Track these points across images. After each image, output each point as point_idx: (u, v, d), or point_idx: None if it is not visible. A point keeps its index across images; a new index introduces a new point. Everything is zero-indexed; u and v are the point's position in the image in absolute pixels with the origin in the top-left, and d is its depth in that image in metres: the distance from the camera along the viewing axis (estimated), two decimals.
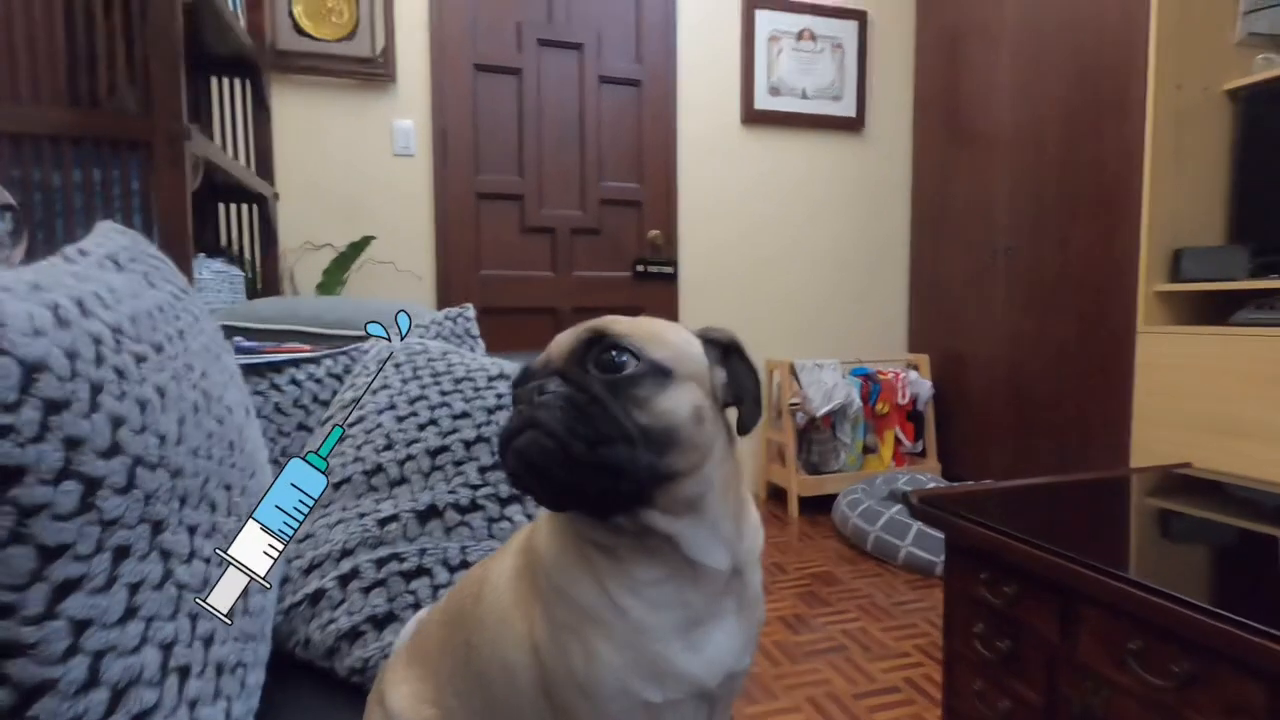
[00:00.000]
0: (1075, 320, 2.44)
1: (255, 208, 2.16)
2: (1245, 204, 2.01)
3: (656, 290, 2.88)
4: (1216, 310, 1.96)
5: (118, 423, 0.47)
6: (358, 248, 2.38)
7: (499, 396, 0.92)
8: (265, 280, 2.16)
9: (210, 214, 2.05)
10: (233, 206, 2.11)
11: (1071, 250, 2.45)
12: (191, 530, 0.55)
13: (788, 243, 3.04)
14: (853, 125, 3.09)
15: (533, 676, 0.47)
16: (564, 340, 0.46)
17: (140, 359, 0.53)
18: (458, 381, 0.94)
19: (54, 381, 0.42)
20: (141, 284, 0.64)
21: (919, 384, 2.98)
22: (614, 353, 0.44)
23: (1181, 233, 2.03)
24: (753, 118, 2.94)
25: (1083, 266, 2.41)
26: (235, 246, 2.09)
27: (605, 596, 0.46)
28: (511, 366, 0.98)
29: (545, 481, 0.43)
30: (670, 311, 2.90)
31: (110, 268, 0.63)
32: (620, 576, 0.46)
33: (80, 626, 0.43)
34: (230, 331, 1.24)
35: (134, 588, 0.47)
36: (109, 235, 0.69)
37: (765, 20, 2.92)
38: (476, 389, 0.93)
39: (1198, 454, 1.59)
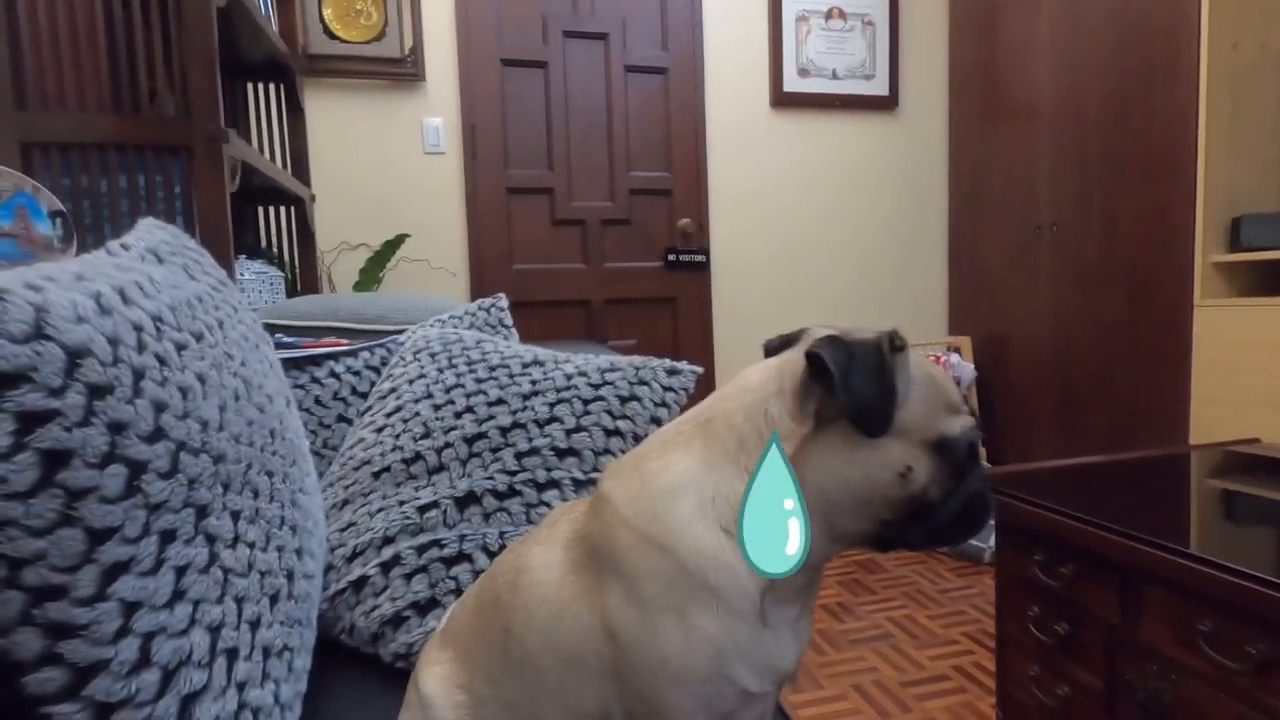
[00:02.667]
0: (1125, 296, 2.34)
1: (293, 210, 2.20)
2: None
3: (689, 279, 2.86)
4: (1279, 280, 1.86)
5: (160, 408, 0.47)
6: (392, 246, 2.41)
7: (533, 383, 0.91)
8: (304, 281, 2.20)
9: (250, 217, 2.09)
10: (271, 209, 2.16)
11: (1119, 223, 2.35)
12: (235, 515, 0.55)
13: (822, 227, 2.99)
14: (886, 104, 3.01)
15: (603, 664, 0.46)
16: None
17: (181, 346, 0.53)
18: (492, 369, 0.94)
19: (97, 367, 0.43)
20: (181, 275, 0.64)
21: (961, 367, 2.90)
22: None
23: (1239, 200, 1.93)
24: (782, 101, 2.89)
25: (1132, 240, 2.31)
26: (274, 248, 2.14)
27: (759, 599, 0.45)
28: (545, 353, 0.98)
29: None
30: (703, 299, 2.88)
31: (152, 260, 0.64)
32: (775, 580, 0.46)
33: (130, 608, 0.43)
34: (271, 329, 1.26)
35: (181, 571, 0.47)
36: (150, 230, 0.70)
37: (793, 0, 2.86)
38: (511, 376, 0.93)
39: (1264, 432, 1.51)
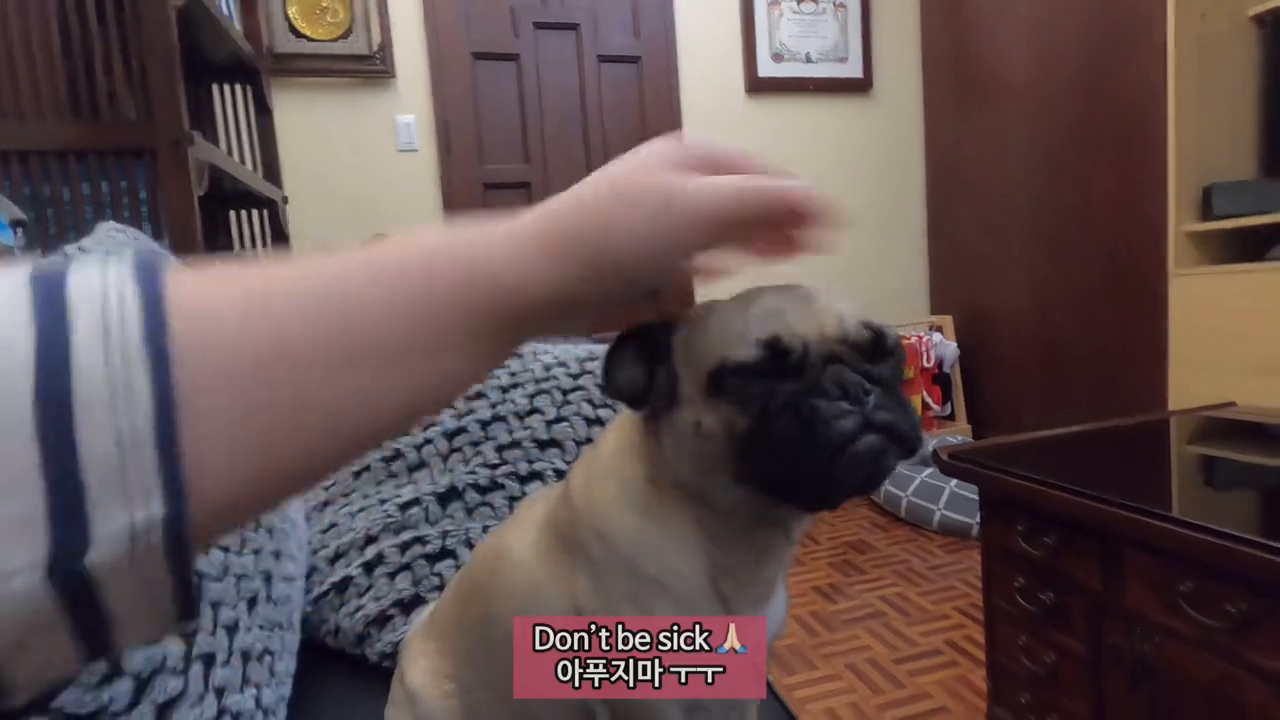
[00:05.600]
0: (1102, 268, 2.37)
1: (266, 213, 2.17)
2: (1277, 133, 1.93)
3: None
4: (1252, 247, 1.88)
5: None
6: None
7: (512, 375, 0.91)
8: None
9: (222, 222, 2.06)
10: (243, 213, 2.12)
11: (1094, 196, 2.37)
12: None
13: None
14: (860, 86, 3.02)
15: None
16: (839, 328, 0.41)
17: None
18: None
19: None
20: None
21: (943, 346, 2.92)
22: (895, 357, 0.42)
23: (1211, 168, 1.95)
24: (757, 86, 2.88)
25: (1107, 212, 2.33)
26: (249, 252, 2.10)
27: (707, 583, 0.44)
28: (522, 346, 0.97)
29: (872, 486, 0.40)
30: (685, 288, 2.87)
31: None
32: (719, 560, 0.45)
33: None
34: None
35: None
36: (109, 234, 0.68)
37: None
38: None
39: (1239, 396, 1.53)
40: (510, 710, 0.50)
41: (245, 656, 0.55)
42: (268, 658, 0.59)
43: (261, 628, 0.59)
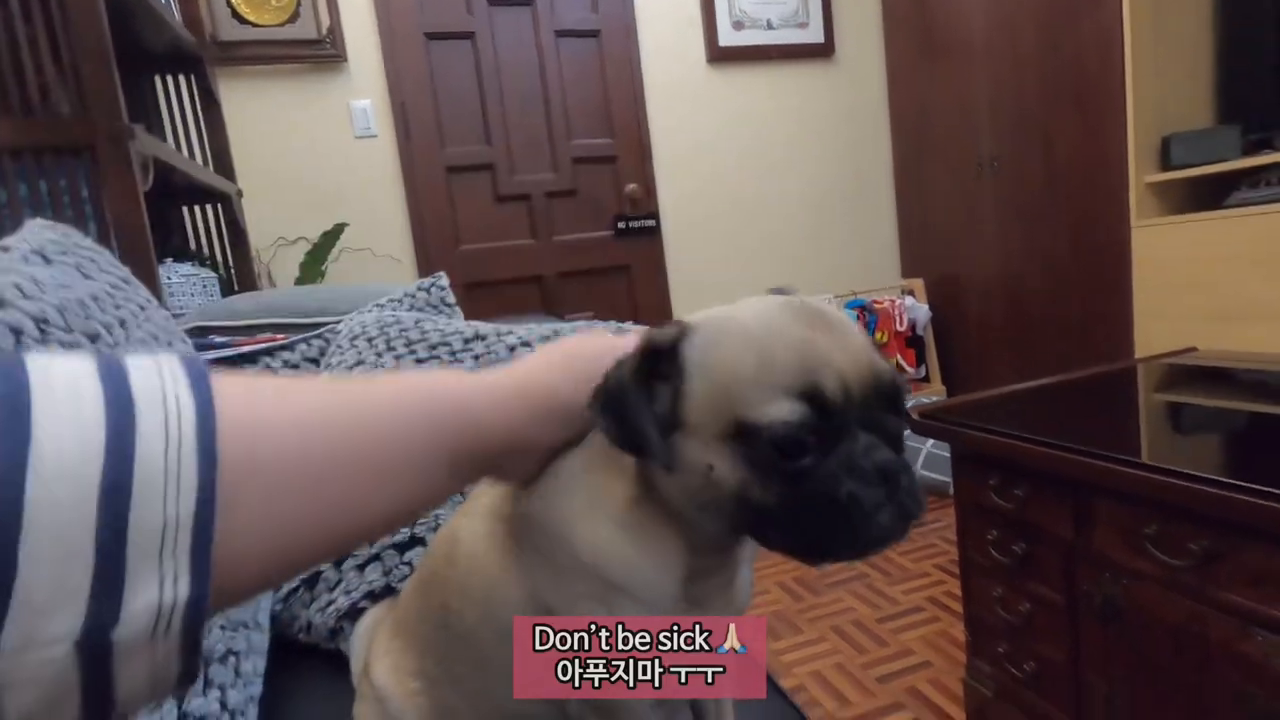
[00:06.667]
0: (1068, 223, 2.39)
1: (220, 207, 2.10)
2: (1232, 81, 1.95)
3: (641, 245, 2.83)
4: (1211, 195, 1.91)
5: None
6: (331, 237, 2.33)
7: (476, 358, 0.89)
8: (240, 280, 2.12)
9: (174, 218, 2.00)
10: (196, 208, 2.06)
11: (1058, 152, 2.39)
12: None
13: (768, 180, 2.98)
14: (822, 51, 2.99)
15: None
16: (871, 374, 0.37)
17: (71, 348, 0.50)
18: (433, 348, 0.91)
19: None
20: (73, 275, 0.60)
21: (916, 309, 2.94)
22: (900, 415, 0.39)
23: (1169, 118, 1.97)
24: (719, 55, 2.85)
25: (1071, 167, 2.35)
26: (204, 249, 2.05)
27: (679, 589, 0.42)
28: (487, 327, 0.95)
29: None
30: (657, 264, 2.85)
31: (37, 261, 0.59)
32: (694, 565, 0.42)
33: None
34: (202, 331, 1.21)
35: None
36: (36, 231, 0.65)
37: None
38: (453, 353, 0.90)
39: (1200, 341, 1.56)
40: (477, 706, 0.48)
41: (206, 659, 0.54)
42: (232, 658, 0.57)
43: (224, 628, 0.58)
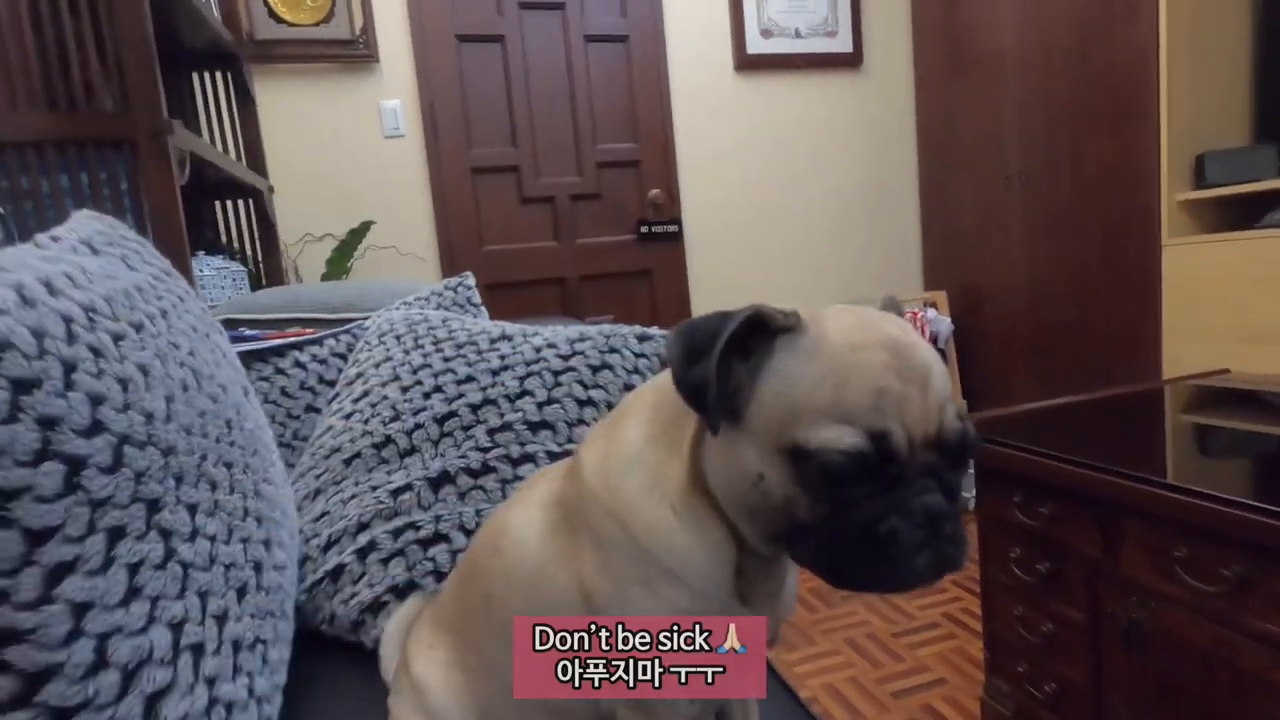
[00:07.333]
0: (1097, 240, 2.35)
1: (251, 203, 2.14)
2: (1270, 99, 1.91)
3: (663, 250, 2.84)
4: (1244, 214, 1.87)
5: (97, 401, 0.45)
6: (357, 235, 2.36)
7: (502, 358, 0.90)
8: (268, 275, 2.15)
9: (207, 212, 2.04)
10: (229, 203, 2.10)
11: (1087, 167, 2.36)
12: (191, 509, 0.53)
13: (793, 188, 2.97)
14: (851, 61, 2.98)
15: None
16: (943, 429, 0.37)
17: (118, 337, 0.51)
18: (460, 347, 0.92)
19: (20, 360, 0.40)
20: (119, 266, 0.62)
21: (938, 321, 2.91)
22: (962, 469, 0.39)
23: (1203, 136, 1.94)
24: (746, 64, 2.85)
25: (1100, 183, 2.32)
26: (235, 243, 2.08)
27: (728, 582, 0.43)
28: (513, 327, 0.96)
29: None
30: (679, 269, 2.86)
31: (85, 251, 0.61)
32: (744, 564, 0.44)
33: (80, 609, 0.42)
34: (234, 324, 1.23)
35: (134, 568, 0.46)
36: (84, 222, 0.67)
37: None
38: (479, 352, 0.91)
39: (1233, 364, 1.53)
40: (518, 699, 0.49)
41: (236, 646, 0.54)
42: (260, 646, 0.58)
43: (253, 616, 0.58)
